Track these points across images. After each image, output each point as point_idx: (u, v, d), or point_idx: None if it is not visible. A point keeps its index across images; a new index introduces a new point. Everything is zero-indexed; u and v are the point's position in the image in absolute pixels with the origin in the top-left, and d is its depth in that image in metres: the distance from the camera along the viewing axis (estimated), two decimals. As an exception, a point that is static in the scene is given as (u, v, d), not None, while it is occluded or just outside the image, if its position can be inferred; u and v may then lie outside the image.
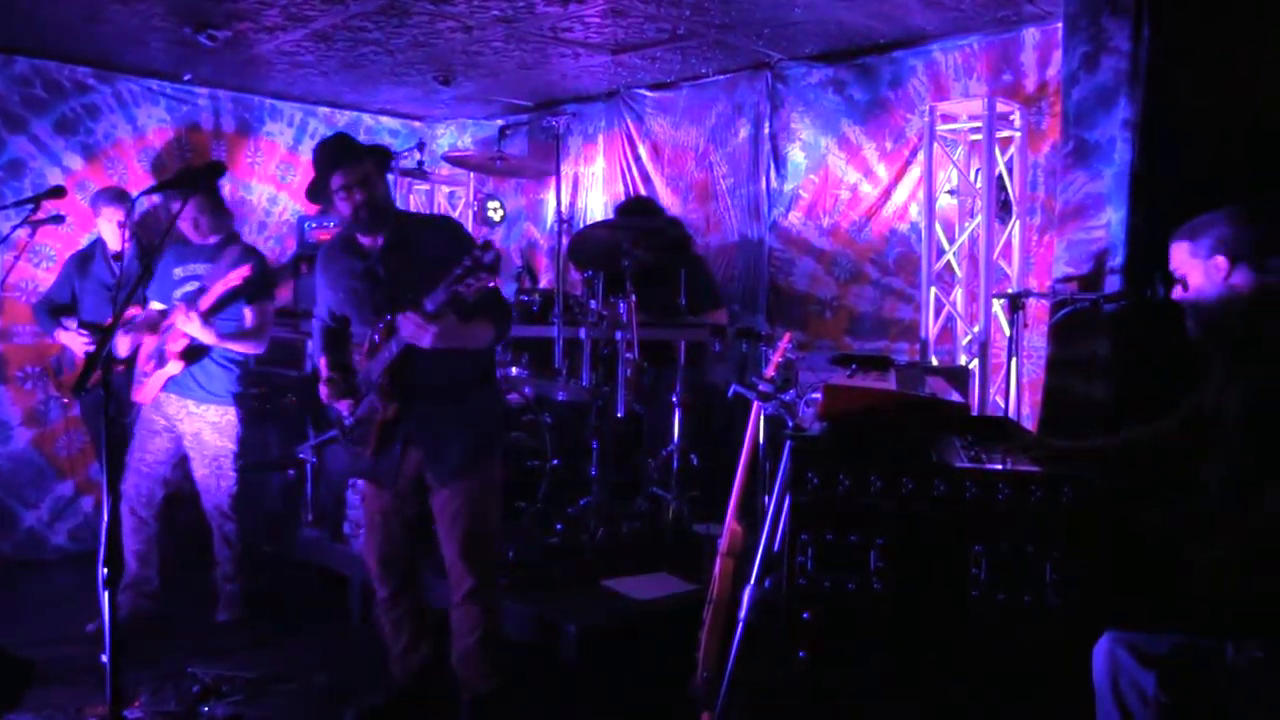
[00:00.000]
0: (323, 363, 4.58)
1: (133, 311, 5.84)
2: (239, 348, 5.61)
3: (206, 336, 5.42)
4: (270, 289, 5.72)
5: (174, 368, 5.51)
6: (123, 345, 5.68)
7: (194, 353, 5.54)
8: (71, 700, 4.72)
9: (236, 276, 5.39)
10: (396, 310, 4.03)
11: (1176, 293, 3.52)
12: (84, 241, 7.19)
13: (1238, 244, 3.39)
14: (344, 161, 4.20)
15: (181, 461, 5.75)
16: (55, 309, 6.35)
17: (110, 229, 6.29)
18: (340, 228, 4.72)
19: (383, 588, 4.52)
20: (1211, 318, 3.47)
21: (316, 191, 4.32)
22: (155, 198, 6.91)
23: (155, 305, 5.70)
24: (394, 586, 4.51)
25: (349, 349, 4.65)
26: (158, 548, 5.71)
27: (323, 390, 4.48)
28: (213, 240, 5.67)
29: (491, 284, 3.89)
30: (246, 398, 5.82)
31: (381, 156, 4.40)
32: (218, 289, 5.39)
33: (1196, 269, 3.45)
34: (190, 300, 5.43)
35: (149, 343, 5.62)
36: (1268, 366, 3.31)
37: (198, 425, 5.63)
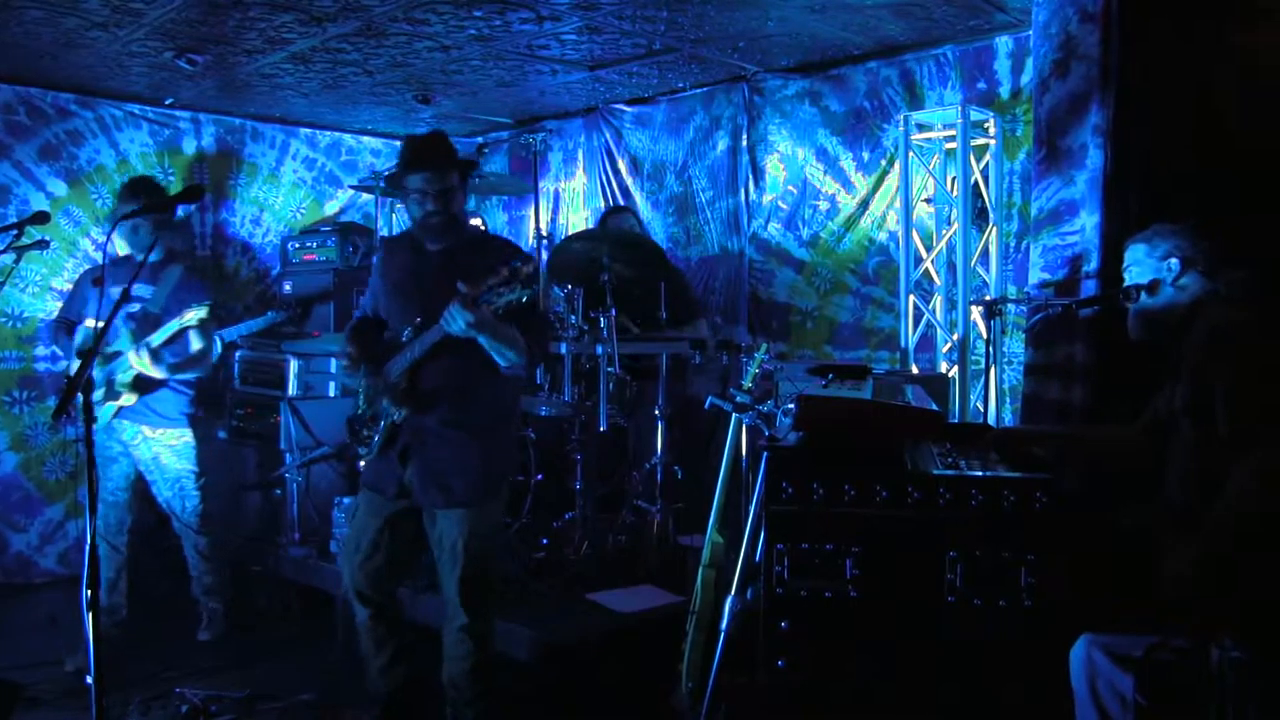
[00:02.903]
0: (351, 349, 4.33)
1: None
2: (188, 375, 5.60)
3: (157, 373, 5.41)
4: (215, 313, 5.61)
5: (128, 399, 5.46)
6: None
7: (145, 383, 5.49)
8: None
9: (192, 316, 5.34)
10: (430, 317, 3.98)
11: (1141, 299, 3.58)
12: (69, 266, 7.31)
13: (1193, 251, 3.48)
14: (430, 166, 4.10)
15: (141, 483, 5.73)
16: (69, 325, 6.42)
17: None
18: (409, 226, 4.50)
19: (364, 609, 4.40)
20: (1153, 318, 3.55)
21: (396, 183, 4.21)
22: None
23: (89, 323, 5.55)
24: (375, 607, 4.40)
25: (378, 345, 4.41)
26: (128, 574, 5.69)
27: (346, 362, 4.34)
28: (153, 258, 5.48)
29: (525, 298, 3.80)
30: (198, 419, 5.81)
31: (467, 169, 4.28)
32: (172, 326, 5.35)
33: (1148, 269, 3.53)
34: (134, 325, 5.39)
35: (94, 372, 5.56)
36: (1200, 356, 3.38)
37: (155, 450, 5.63)
